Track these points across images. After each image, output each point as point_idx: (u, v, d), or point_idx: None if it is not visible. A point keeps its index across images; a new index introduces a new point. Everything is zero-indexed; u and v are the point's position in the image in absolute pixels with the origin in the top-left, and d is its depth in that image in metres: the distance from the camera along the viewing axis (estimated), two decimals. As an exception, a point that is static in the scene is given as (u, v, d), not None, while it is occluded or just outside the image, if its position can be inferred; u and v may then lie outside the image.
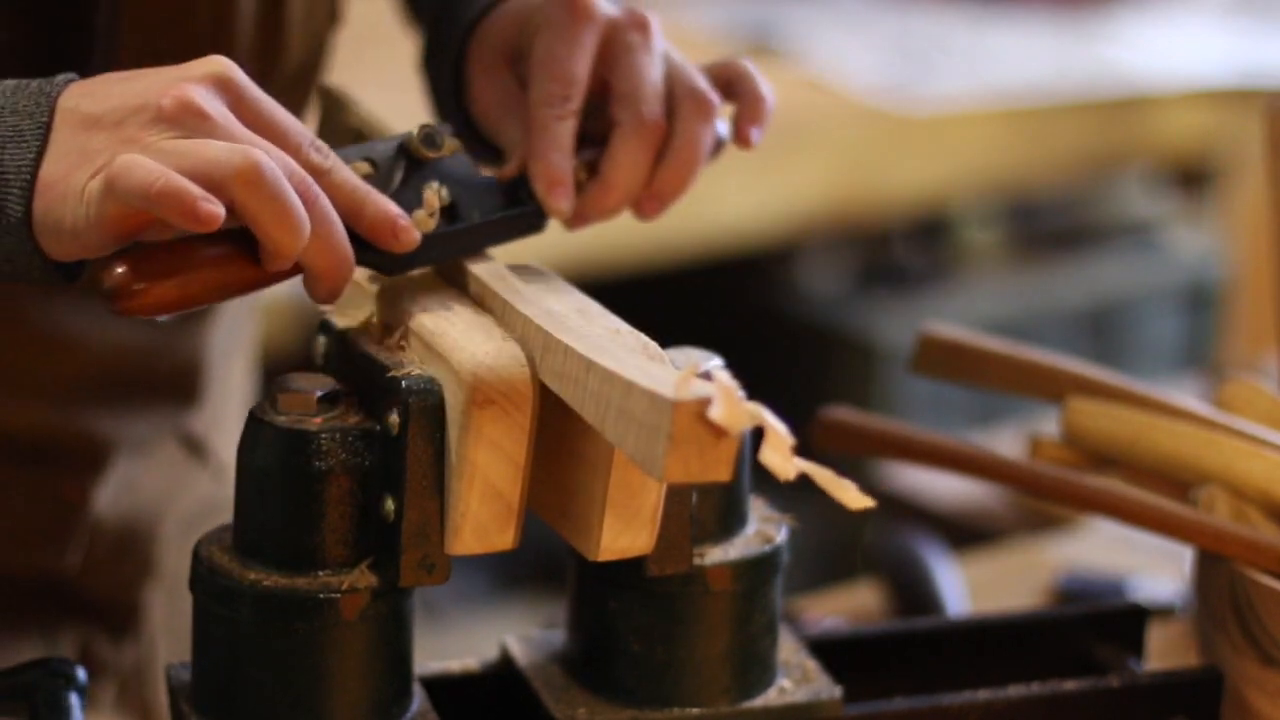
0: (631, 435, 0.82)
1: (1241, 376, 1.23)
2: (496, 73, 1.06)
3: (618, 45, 1.02)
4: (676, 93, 1.02)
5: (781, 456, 0.82)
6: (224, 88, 0.89)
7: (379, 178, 0.96)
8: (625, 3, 1.06)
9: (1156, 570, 1.37)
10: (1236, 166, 2.94)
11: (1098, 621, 1.12)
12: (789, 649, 1.02)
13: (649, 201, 1.02)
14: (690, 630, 0.97)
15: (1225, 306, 3.01)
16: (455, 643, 2.46)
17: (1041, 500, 1.32)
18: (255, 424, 0.92)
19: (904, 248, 3.05)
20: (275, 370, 0.95)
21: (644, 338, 0.91)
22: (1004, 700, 1.03)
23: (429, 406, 0.89)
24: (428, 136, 0.97)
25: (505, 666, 1.02)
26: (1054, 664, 1.09)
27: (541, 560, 2.57)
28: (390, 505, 0.90)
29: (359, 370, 0.93)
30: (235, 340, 1.26)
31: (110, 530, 1.17)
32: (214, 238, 0.88)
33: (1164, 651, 1.19)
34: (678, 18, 2.78)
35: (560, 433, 0.91)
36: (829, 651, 1.03)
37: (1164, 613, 1.27)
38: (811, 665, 1.01)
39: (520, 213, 1.00)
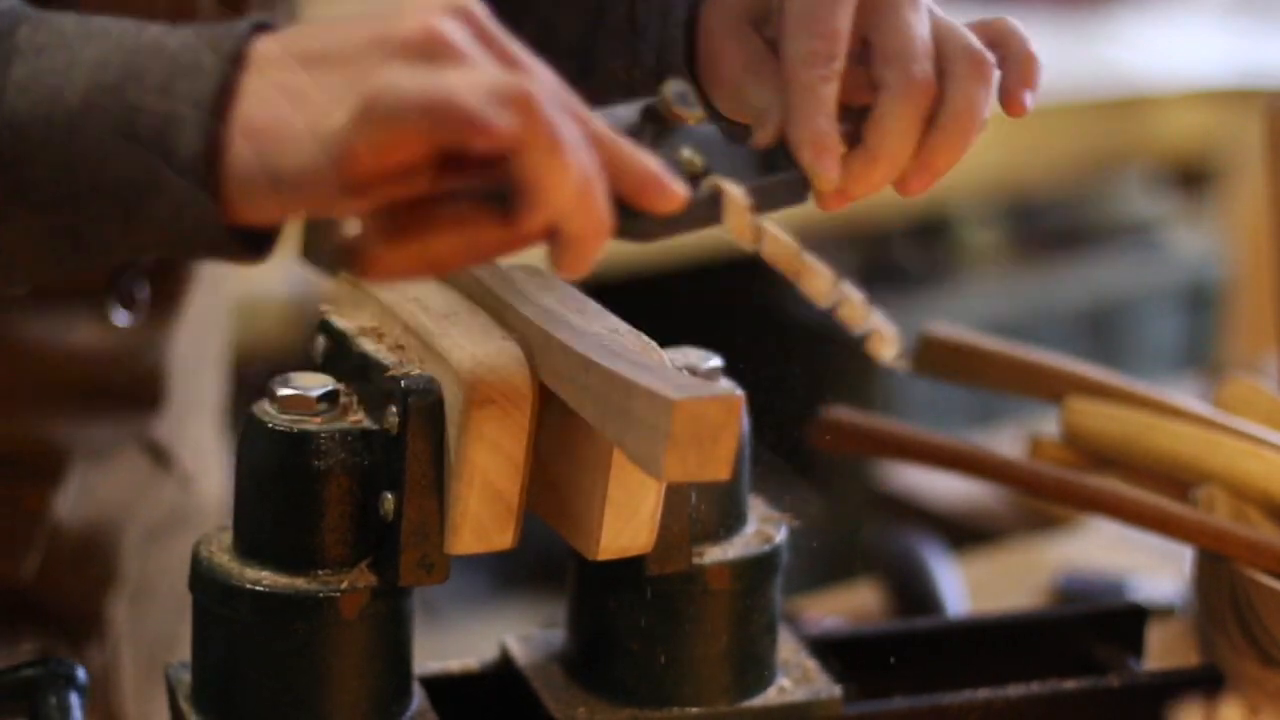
0: (631, 435, 0.82)
1: (1241, 376, 1.23)
2: (739, 35, 0.95)
3: (879, 1, 0.91)
4: (947, 51, 0.91)
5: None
6: (468, 21, 0.78)
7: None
8: None
9: (1156, 570, 1.37)
10: (1236, 166, 2.94)
11: (1098, 621, 1.12)
12: (789, 649, 1.02)
13: (917, 175, 0.91)
14: (690, 630, 0.96)
15: (1225, 306, 3.01)
16: (455, 643, 2.46)
17: (1041, 500, 1.32)
18: (254, 424, 0.91)
19: (904, 248, 3.05)
20: (274, 370, 0.94)
21: (644, 338, 0.91)
22: (1004, 700, 1.03)
23: (428, 406, 0.89)
24: (681, 95, 0.88)
25: (505, 666, 1.02)
26: (1054, 664, 1.09)
27: (541, 560, 2.57)
28: (389, 505, 0.90)
29: (358, 370, 0.93)
30: (203, 348, 1.24)
31: (70, 538, 1.15)
32: (456, 195, 0.78)
33: (1164, 651, 1.19)
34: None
35: (560, 432, 0.90)
36: (829, 651, 1.03)
37: (1164, 613, 1.27)
38: (811, 665, 1.01)
39: (784, 179, 0.90)
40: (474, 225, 0.78)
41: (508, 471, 0.88)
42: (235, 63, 0.77)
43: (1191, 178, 3.26)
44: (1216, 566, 1.08)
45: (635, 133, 0.87)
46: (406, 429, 0.88)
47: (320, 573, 0.91)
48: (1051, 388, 1.18)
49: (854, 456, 1.20)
